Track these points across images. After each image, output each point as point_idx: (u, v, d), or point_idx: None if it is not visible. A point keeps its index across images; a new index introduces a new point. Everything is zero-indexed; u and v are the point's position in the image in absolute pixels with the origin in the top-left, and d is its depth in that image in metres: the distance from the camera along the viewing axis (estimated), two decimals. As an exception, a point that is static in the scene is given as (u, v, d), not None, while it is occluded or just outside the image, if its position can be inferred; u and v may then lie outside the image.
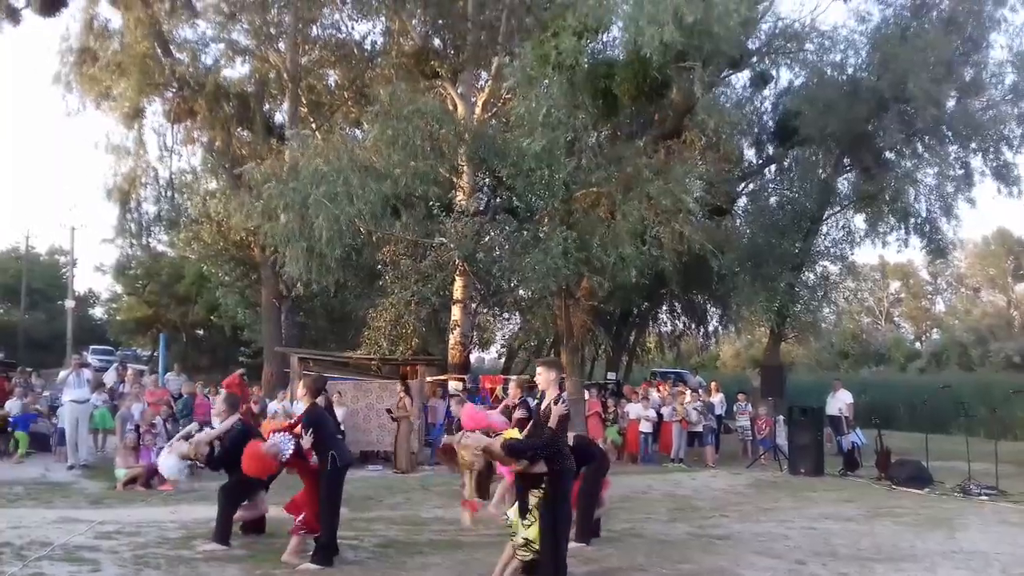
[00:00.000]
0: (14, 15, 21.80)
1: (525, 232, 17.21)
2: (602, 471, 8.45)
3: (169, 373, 20.17)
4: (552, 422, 6.21)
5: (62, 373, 14.52)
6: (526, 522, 6.47)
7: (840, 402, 17.58)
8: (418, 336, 19.57)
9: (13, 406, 15.55)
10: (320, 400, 8.31)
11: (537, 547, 6.32)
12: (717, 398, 18.74)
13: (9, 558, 7.12)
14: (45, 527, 8.54)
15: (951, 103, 19.71)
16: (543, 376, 6.54)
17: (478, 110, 21.12)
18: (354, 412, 15.33)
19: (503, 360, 32.93)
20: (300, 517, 7.47)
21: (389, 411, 14.66)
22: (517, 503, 6.67)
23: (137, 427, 13.24)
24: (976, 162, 20.54)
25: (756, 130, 22.64)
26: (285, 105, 24.96)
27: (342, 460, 7.48)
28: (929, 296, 62.20)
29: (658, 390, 18.69)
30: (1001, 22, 19.94)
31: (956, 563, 7.63)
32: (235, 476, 8.05)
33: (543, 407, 6.39)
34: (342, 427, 12.90)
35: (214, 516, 8.06)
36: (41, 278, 49.94)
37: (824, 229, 22.16)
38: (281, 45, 24.01)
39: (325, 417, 7.81)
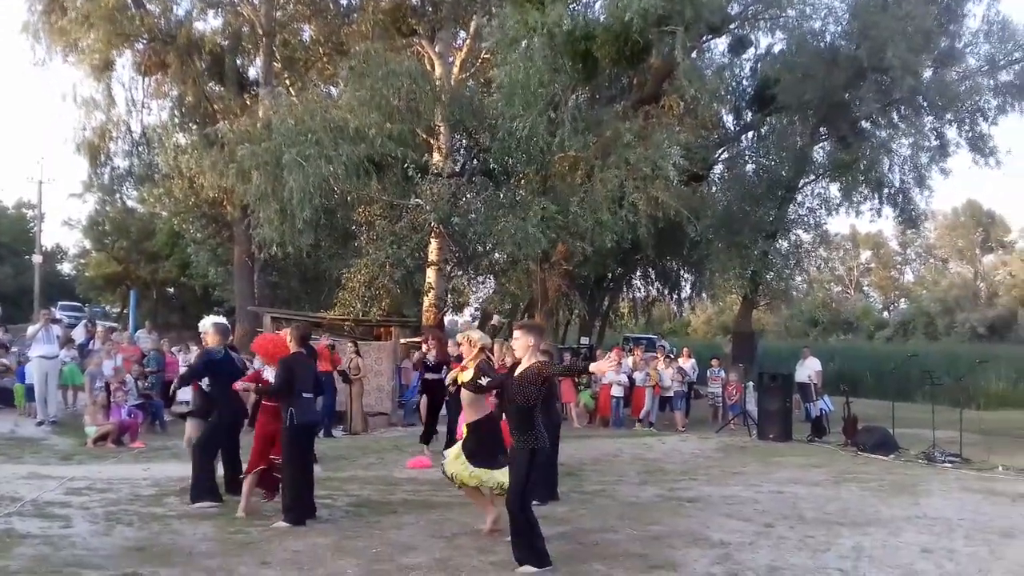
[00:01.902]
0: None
1: (502, 195, 17.15)
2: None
3: (140, 331, 19.98)
4: (532, 382, 6.08)
5: (30, 328, 14.28)
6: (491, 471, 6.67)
7: (809, 369, 17.80)
8: (392, 298, 19.49)
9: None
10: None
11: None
12: (688, 363, 18.91)
13: (-22, 514, 7.07)
14: (15, 483, 8.48)
15: (928, 73, 19.81)
16: (521, 341, 6.27)
17: (456, 70, 20.88)
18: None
19: (477, 323, 32.95)
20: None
21: (343, 372, 14.60)
22: (466, 454, 6.85)
23: (107, 384, 13.12)
24: (951, 133, 20.77)
25: (735, 97, 22.62)
26: (259, 60, 24.50)
27: (299, 418, 7.24)
28: (898, 266, 63.14)
29: (632, 354, 18.80)
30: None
31: (919, 528, 7.79)
32: (207, 428, 8.04)
33: (518, 372, 6.23)
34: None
35: (187, 474, 8.03)
36: (8, 232, 49.15)
37: (799, 198, 22.30)
38: (255, -2, 23.52)
39: (298, 370, 7.42)
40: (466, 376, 7.03)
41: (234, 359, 8.44)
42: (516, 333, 6.44)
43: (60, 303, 37.97)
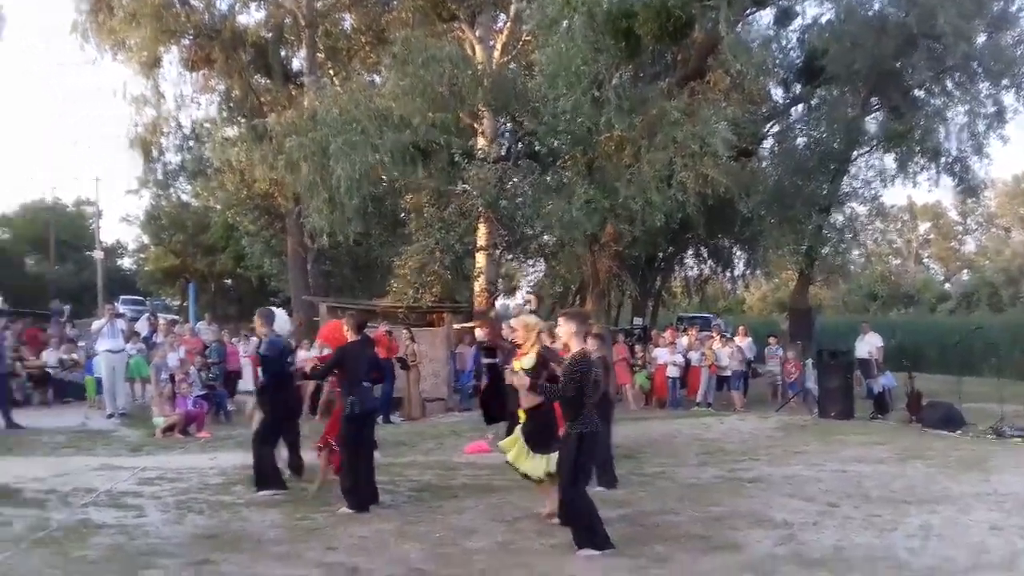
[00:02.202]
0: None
1: (548, 178, 17.07)
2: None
3: (200, 323, 20.40)
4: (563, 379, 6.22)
5: (95, 323, 14.73)
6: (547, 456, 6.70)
7: (869, 345, 17.48)
8: (443, 283, 19.59)
9: (50, 358, 15.89)
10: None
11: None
12: (745, 342, 18.69)
13: (55, 504, 7.32)
14: (88, 474, 8.75)
15: (981, 38, 19.10)
16: (564, 328, 6.37)
17: (497, 53, 20.82)
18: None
19: (528, 306, 32.96)
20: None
21: (401, 359, 14.75)
22: (524, 440, 6.87)
23: (172, 376, 13.47)
24: (1008, 99, 19.95)
25: (782, 69, 22.13)
26: (302, 51, 24.70)
27: (362, 406, 7.37)
28: (959, 237, 61.39)
29: (687, 334, 18.66)
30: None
31: (989, 505, 7.62)
32: (265, 419, 8.19)
33: (566, 361, 6.33)
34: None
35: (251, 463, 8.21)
36: (69, 230, 50.50)
37: (852, 170, 21.80)
38: (296, -11, 23.70)
39: (356, 359, 7.53)
40: (527, 362, 7.01)
41: (283, 345, 8.58)
42: (560, 320, 6.53)
43: (122, 297, 39.02)
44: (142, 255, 47.27)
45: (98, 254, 40.16)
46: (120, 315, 15.27)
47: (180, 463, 9.74)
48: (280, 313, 8.75)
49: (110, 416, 13.70)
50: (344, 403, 7.39)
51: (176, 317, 27.78)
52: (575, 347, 6.28)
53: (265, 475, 7.98)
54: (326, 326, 8.81)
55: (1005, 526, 6.81)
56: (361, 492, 7.30)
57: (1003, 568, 5.68)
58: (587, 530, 6.06)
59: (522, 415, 7.15)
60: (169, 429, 12.24)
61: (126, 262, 54.53)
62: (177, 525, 6.83)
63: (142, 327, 18.87)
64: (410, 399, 14.98)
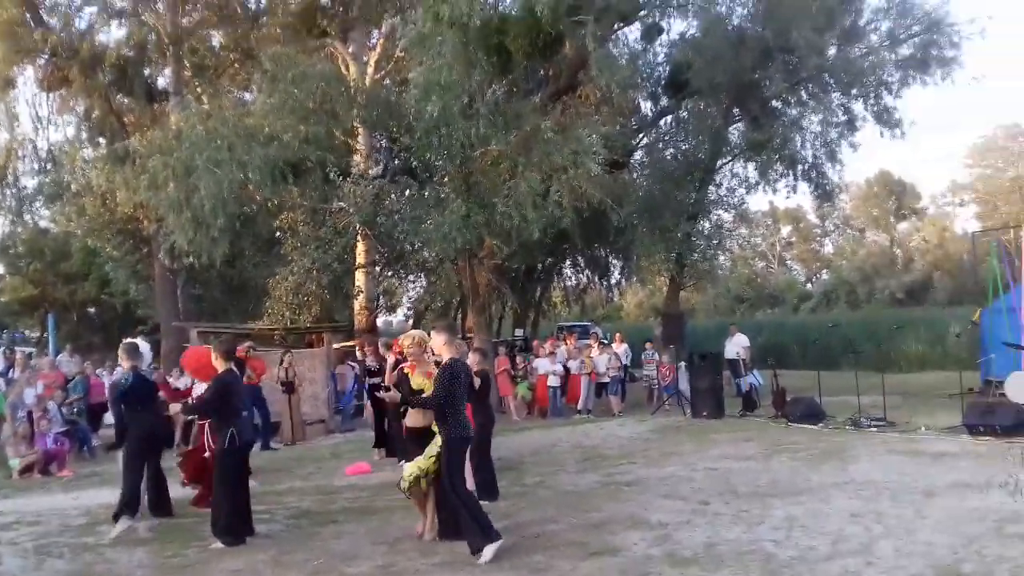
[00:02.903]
0: None
1: (426, 193, 17.07)
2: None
3: (62, 355, 19.32)
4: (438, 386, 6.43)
5: (-57, 361, 13.75)
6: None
7: (737, 346, 18.22)
8: (321, 303, 19.25)
9: None
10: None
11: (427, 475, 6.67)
12: (621, 348, 19.17)
13: None
14: (-65, 524, 8.16)
15: (832, 51, 20.37)
16: (436, 339, 6.73)
17: (371, 70, 20.70)
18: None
19: (411, 322, 32.82)
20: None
21: (287, 383, 14.43)
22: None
23: (30, 413, 12.70)
24: (858, 107, 21.41)
25: (649, 83, 22.94)
26: (167, 70, 23.85)
27: (240, 438, 7.15)
28: (818, 239, 64.83)
29: (566, 343, 18.97)
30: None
31: (848, 493, 8.08)
32: (127, 453, 7.87)
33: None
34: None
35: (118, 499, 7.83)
36: (-88, 262, 46.88)
37: (717, 178, 22.78)
38: (159, 5, 22.88)
39: (233, 388, 7.30)
40: (419, 379, 6.99)
41: (146, 380, 8.27)
42: (432, 333, 6.88)
43: (-25, 331, 36.51)
44: (-4, 285, 44.40)
45: (-53, 287, 37.49)
46: (-29, 350, 14.30)
47: (40, 505, 9.20)
48: (142, 344, 8.41)
49: (-39, 460, 12.78)
50: (221, 435, 7.14)
51: (33, 350, 26.19)
52: (447, 356, 6.57)
53: (125, 503, 7.60)
54: (189, 353, 8.42)
55: (863, 512, 7.23)
56: (235, 525, 7.07)
57: (861, 554, 6.02)
58: (479, 527, 6.28)
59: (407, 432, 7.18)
60: (27, 469, 11.55)
61: (-21, 293, 51.10)
62: (36, 572, 6.46)
63: (-4, 362, 17.73)
64: (292, 423, 14.62)
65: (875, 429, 12.47)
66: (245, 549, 6.89)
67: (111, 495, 8.52)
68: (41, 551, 7.03)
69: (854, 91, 20.96)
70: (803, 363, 23.26)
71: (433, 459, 6.67)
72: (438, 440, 6.59)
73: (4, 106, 22.84)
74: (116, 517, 7.56)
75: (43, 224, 31.49)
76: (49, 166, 24.35)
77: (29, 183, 24.47)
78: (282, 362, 14.62)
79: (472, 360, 8.85)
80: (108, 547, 7.11)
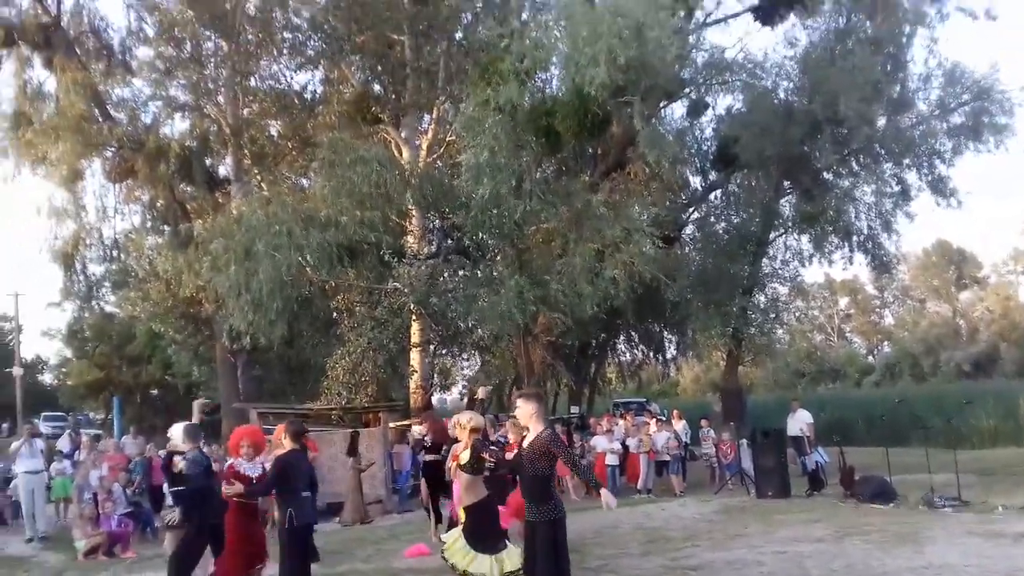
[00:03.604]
0: (-54, 82, 21.46)
1: (479, 272, 17.26)
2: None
3: (125, 436, 19.67)
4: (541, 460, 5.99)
5: (14, 444, 14.12)
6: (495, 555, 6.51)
7: (800, 422, 17.72)
8: (377, 382, 19.37)
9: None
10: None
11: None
12: (680, 425, 18.79)
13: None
14: (2, 609, 8.23)
15: (882, 121, 20.29)
16: (523, 410, 6.22)
17: (423, 153, 21.22)
18: (319, 463, 15.05)
19: (465, 401, 32.75)
20: None
21: (361, 462, 14.51)
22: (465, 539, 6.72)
23: (95, 495, 12.86)
24: (911, 177, 21.17)
25: (697, 158, 23.07)
26: (228, 159, 24.77)
27: (299, 519, 7.10)
28: (877, 310, 63.67)
29: (623, 420, 18.69)
30: (921, 38, 20.49)
31: (926, 578, 7.70)
32: (183, 538, 7.87)
33: (527, 442, 6.14)
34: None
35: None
36: (-14, 347, 48.64)
37: (771, 251, 22.61)
38: (220, 99, 23.89)
39: (295, 468, 7.31)
40: (463, 459, 7.00)
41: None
42: (518, 403, 6.42)
43: (44, 414, 37.49)
44: (64, 369, 45.73)
45: (17, 371, 38.67)
46: (38, 434, 14.63)
47: None
48: (186, 426, 8.45)
49: (29, 540, 13.00)
50: (281, 514, 7.14)
51: (99, 432, 26.74)
52: (537, 428, 6.09)
53: None
54: (243, 432, 8.35)
55: (943, 599, 6.87)
56: None
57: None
58: None
59: (462, 514, 7.04)
60: (92, 551, 11.63)
61: (47, 377, 52.71)
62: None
63: (64, 444, 18.11)
64: (354, 502, 14.55)
65: (950, 509, 11.92)
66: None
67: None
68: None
69: (906, 161, 20.79)
70: (869, 439, 22.51)
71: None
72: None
73: (73, 197, 23.79)
74: None
75: (109, 309, 32.41)
76: (115, 253, 25.19)
77: (96, 270, 25.27)
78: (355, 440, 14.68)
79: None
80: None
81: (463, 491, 7.11)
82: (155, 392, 38.49)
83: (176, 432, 8.30)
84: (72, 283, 24.86)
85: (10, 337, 48.33)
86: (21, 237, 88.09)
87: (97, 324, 36.55)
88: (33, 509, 13.31)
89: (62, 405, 43.41)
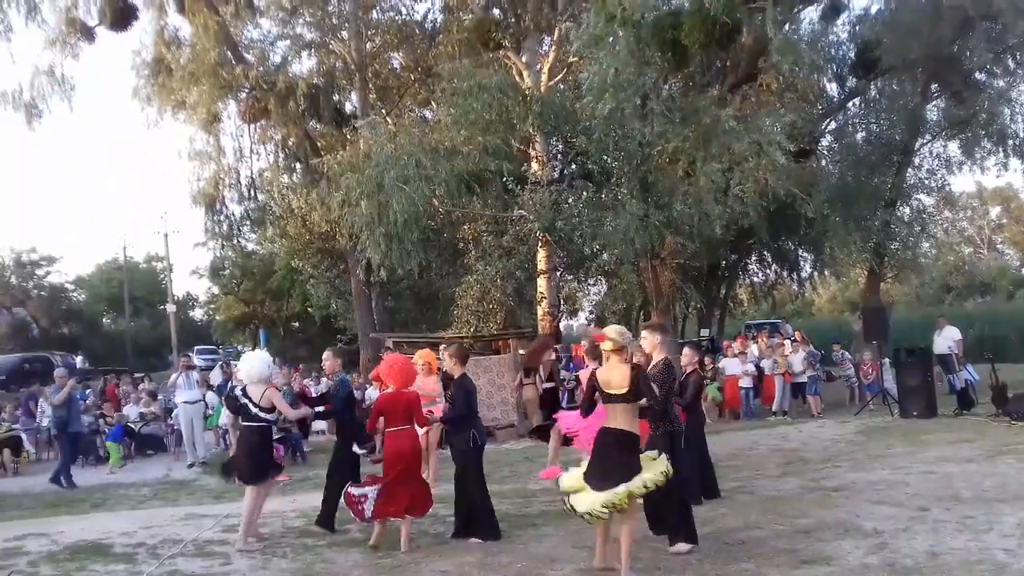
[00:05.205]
0: (88, 33, 22.61)
1: (604, 196, 17.03)
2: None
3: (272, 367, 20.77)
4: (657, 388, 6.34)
5: (172, 376, 15.18)
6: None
7: (948, 339, 16.90)
8: (505, 310, 19.65)
9: (131, 412, 16.37)
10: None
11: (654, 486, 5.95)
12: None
13: (144, 557, 7.47)
14: (174, 525, 8.93)
15: (1042, 12, 18.51)
16: (648, 340, 6.72)
17: (544, 77, 20.92)
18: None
19: (591, 326, 32.81)
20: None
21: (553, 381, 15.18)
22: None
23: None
24: (1075, 72, 19.31)
25: (834, 64, 21.73)
26: (354, 95, 25.24)
27: (482, 439, 7.55)
28: (1032, 220, 59.10)
29: (756, 342, 18.30)
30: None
31: (1092, 498, 7.27)
32: (334, 457, 8.47)
33: (651, 369, 6.59)
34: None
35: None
36: (141, 286, 52.08)
37: (916, 160, 21.30)
38: (344, 34, 24.26)
39: (473, 390, 7.62)
40: (616, 378, 6.07)
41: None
42: (643, 333, 6.89)
43: (197, 348, 40.04)
44: (213, 305, 48.48)
45: (170, 308, 41.29)
46: (192, 367, 15.64)
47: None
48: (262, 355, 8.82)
49: (191, 466, 14.03)
50: (462, 437, 7.47)
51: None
52: (659, 357, 6.70)
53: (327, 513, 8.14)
54: (391, 363, 8.25)
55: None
56: (495, 521, 7.50)
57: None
58: (684, 523, 6.50)
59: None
60: (247, 476, 12.41)
61: (198, 313, 56.08)
62: (263, 571, 6.90)
63: (216, 376, 19.29)
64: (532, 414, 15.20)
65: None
66: (451, 550, 7.09)
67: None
68: (266, 551, 7.53)
69: (1069, 55, 18.96)
70: (1022, 355, 21.25)
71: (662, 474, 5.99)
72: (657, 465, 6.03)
73: (212, 139, 24.85)
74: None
75: (250, 247, 33.95)
76: (252, 192, 26.25)
77: (236, 209, 26.43)
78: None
79: (686, 359, 8.96)
80: (325, 547, 7.53)
81: (618, 414, 6.09)
82: (296, 324, 40.36)
83: (250, 367, 8.32)
84: (215, 223, 26.11)
85: (163, 276, 51.62)
86: (167, 181, 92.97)
87: (240, 261, 38.40)
88: (193, 437, 14.36)
89: (213, 339, 46.14)
